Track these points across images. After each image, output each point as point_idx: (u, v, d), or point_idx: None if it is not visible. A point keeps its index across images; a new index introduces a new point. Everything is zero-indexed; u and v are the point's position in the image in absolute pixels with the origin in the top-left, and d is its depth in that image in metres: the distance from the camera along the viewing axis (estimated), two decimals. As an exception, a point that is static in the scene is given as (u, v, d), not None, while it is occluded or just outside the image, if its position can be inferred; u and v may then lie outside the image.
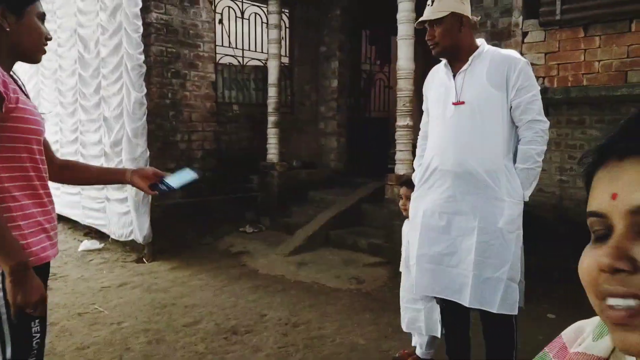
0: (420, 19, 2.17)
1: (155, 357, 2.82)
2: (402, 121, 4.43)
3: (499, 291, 2.05)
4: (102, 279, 4.21)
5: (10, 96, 1.33)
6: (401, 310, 2.70)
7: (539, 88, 2.12)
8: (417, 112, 7.72)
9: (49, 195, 1.49)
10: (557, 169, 4.44)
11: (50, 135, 5.24)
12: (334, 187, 6.39)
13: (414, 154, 4.48)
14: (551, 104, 4.35)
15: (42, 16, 1.48)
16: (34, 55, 1.48)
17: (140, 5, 4.56)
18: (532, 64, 3.93)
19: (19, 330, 1.38)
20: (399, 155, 4.48)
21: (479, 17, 2.30)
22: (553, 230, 4.40)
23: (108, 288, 3.99)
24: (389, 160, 4.60)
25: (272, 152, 5.92)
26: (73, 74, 5.41)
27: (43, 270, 1.47)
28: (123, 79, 4.65)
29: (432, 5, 2.13)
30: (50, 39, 1.53)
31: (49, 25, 5.54)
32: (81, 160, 5.36)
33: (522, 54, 4.01)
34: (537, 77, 3.95)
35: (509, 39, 4.30)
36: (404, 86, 4.41)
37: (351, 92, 6.88)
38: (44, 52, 1.52)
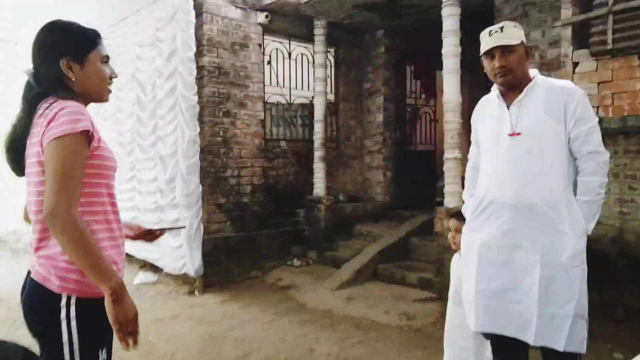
0: (494, 43, 2.08)
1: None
2: (451, 154, 4.41)
3: (565, 328, 1.96)
4: (156, 311, 4.33)
5: (96, 137, 1.45)
6: (445, 349, 2.57)
7: (597, 119, 2.07)
8: (465, 145, 7.64)
9: (120, 230, 1.58)
10: (616, 201, 4.25)
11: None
12: (381, 221, 6.36)
13: (463, 187, 4.44)
14: (607, 134, 4.20)
15: (105, 59, 1.58)
16: (100, 97, 1.60)
17: (195, 50, 4.85)
18: (584, 94, 3.86)
19: (89, 358, 1.45)
20: (448, 188, 4.43)
21: (531, 50, 2.25)
22: (612, 264, 4.18)
23: (162, 320, 4.09)
24: (437, 193, 4.55)
25: (319, 186, 5.99)
26: (131, 116, 5.75)
27: None
28: (178, 119, 4.91)
29: (501, 32, 2.09)
30: (115, 77, 1.63)
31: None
32: (138, 197, 5.62)
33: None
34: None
35: (559, 69, 4.24)
36: (451, 119, 4.41)
37: (396, 126, 6.92)
38: (110, 91, 1.62)
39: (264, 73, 5.88)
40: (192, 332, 3.82)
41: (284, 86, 6.22)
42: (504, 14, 4.97)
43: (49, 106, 1.42)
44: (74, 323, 1.42)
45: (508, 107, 2.12)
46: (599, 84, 3.83)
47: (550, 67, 4.60)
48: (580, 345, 1.97)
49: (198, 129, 4.88)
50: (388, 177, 6.78)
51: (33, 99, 1.46)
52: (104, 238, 1.50)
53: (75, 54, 1.50)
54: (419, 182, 6.91)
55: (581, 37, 4.01)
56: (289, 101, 6.30)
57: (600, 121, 3.82)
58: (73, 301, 1.42)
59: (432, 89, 7.29)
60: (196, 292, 4.88)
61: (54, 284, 1.41)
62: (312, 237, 5.98)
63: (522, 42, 2.10)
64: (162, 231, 1.92)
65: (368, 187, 6.92)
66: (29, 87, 1.50)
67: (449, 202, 4.39)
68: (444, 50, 4.44)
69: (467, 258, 2.24)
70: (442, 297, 4.33)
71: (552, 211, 2.00)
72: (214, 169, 5.35)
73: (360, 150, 6.97)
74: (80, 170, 1.40)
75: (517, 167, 2.07)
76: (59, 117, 1.38)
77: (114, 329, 1.40)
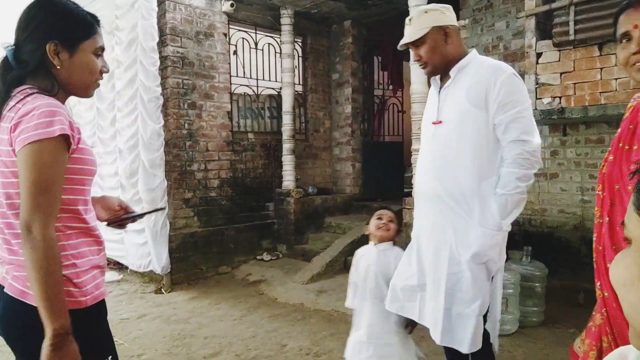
0: (402, 41, 2.01)
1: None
2: (418, 144, 4.41)
3: (469, 329, 1.83)
4: (121, 311, 4.20)
5: (75, 137, 1.30)
6: (369, 347, 2.20)
7: (529, 103, 1.90)
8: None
9: (99, 234, 1.44)
10: (578, 189, 4.36)
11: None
12: (351, 213, 6.36)
13: (431, 178, 4.47)
14: (569, 124, 4.31)
15: (100, 50, 1.41)
16: (84, 91, 1.43)
17: (157, 39, 4.68)
18: (547, 84, 3.92)
19: None
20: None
21: (466, 21, 2.05)
22: (575, 251, 4.30)
23: (127, 320, 3.97)
24: (406, 184, 4.56)
25: (288, 179, 5.93)
26: (91, 108, 5.53)
27: (100, 308, 1.41)
28: (138, 110, 4.74)
29: (410, 24, 1.98)
30: (106, 72, 1.46)
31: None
32: (99, 192, 5.43)
33: (537, 74, 4.00)
34: (554, 97, 3.92)
35: (523, 60, 4.29)
36: (418, 110, 4.41)
37: (365, 117, 6.91)
38: (97, 86, 1.46)
39: (229, 63, 5.75)
40: (159, 331, 3.72)
41: (250, 77, 6.10)
42: (468, 4, 5.00)
43: (22, 98, 1.25)
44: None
45: (439, 92, 2.01)
46: (561, 74, 3.90)
47: (514, 58, 4.66)
48: (478, 344, 1.85)
49: (162, 122, 4.73)
50: (357, 169, 6.78)
51: (11, 81, 1.29)
52: (83, 242, 1.36)
53: (66, 39, 1.32)
54: (387, 173, 6.94)
55: (544, 27, 4.07)
56: (256, 92, 6.19)
57: (563, 111, 3.90)
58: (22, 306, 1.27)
59: (399, 80, 7.31)
60: (163, 289, 4.76)
61: (18, 289, 1.28)
62: (282, 230, 5.92)
63: (434, 27, 1.93)
64: (141, 215, 1.70)
65: (337, 179, 6.90)
66: (5, 66, 1.32)
67: (418, 192, 4.41)
68: (411, 41, 4.43)
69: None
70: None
71: (461, 205, 1.88)
72: (180, 163, 5.20)
73: (329, 142, 6.93)
74: (59, 182, 1.25)
75: (435, 157, 1.97)
76: (31, 117, 1.21)
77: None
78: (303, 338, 3.49)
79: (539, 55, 4.00)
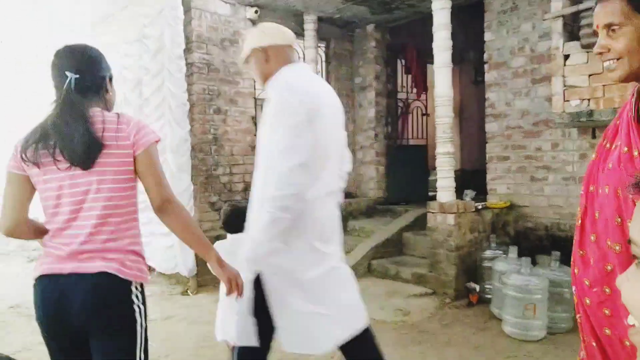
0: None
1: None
2: (443, 148, 4.39)
3: (235, 324, 2.08)
4: (148, 312, 4.27)
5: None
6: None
7: (288, 124, 1.90)
8: (457, 139, 7.64)
9: None
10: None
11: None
12: (374, 216, 6.35)
13: (455, 181, 4.43)
14: (598, 126, 4.22)
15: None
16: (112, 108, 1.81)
17: (184, 46, 4.78)
18: (575, 86, 3.85)
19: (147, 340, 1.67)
20: (440, 183, 4.42)
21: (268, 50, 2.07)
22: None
23: (154, 321, 4.04)
24: (430, 188, 4.54)
25: (311, 182, 5.95)
26: (120, 114, 5.67)
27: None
28: (165, 116, 4.85)
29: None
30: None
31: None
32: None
33: (564, 76, 3.94)
34: (582, 99, 3.85)
35: (550, 62, 4.24)
36: (443, 113, 4.39)
37: (388, 121, 6.90)
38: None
39: (254, 69, 5.82)
40: (186, 333, 3.78)
41: (274, 82, 6.17)
42: (493, 7, 4.96)
43: (117, 118, 1.63)
44: (142, 308, 1.61)
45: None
46: (589, 76, 3.83)
47: (541, 60, 4.60)
48: (247, 340, 2.00)
49: (189, 127, 4.82)
50: (381, 173, 6.77)
51: (83, 103, 1.61)
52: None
53: (110, 74, 1.77)
54: (411, 176, 6.90)
55: (571, 29, 4.00)
56: (279, 97, 6.24)
57: (591, 113, 3.82)
58: (139, 287, 1.62)
59: (423, 83, 7.27)
60: (189, 291, 4.84)
61: (126, 273, 1.56)
62: (306, 233, 5.94)
63: (254, 49, 2.07)
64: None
65: (361, 183, 6.90)
66: (74, 91, 1.61)
67: (442, 196, 4.38)
68: (434, 44, 4.42)
69: None
70: (436, 292, 4.34)
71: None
72: (205, 167, 5.29)
73: (352, 145, 6.94)
74: None
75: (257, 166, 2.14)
76: (143, 126, 1.64)
77: (227, 287, 1.78)
78: (327, 341, 3.50)
79: (566, 57, 3.94)
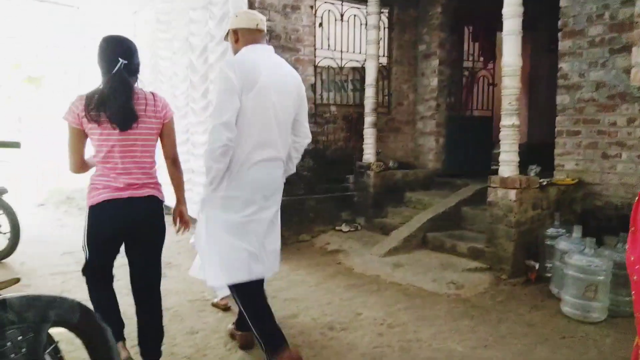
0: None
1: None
2: (508, 120, 4.22)
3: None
4: (209, 270, 4.50)
5: None
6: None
7: (220, 89, 2.37)
8: (524, 111, 7.29)
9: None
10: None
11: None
12: (432, 189, 6.25)
13: (520, 155, 4.26)
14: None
15: None
16: None
17: (247, 12, 4.81)
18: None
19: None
20: (503, 156, 4.26)
21: (256, 24, 2.57)
22: None
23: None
24: (494, 162, 4.39)
25: (369, 152, 5.93)
26: (185, 80, 5.85)
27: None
28: (229, 82, 4.94)
29: None
30: None
31: (165, 35, 6.14)
32: (191, 160, 5.79)
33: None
34: (667, 70, 3.54)
35: (631, 30, 3.90)
36: (509, 84, 4.19)
37: (452, 91, 6.68)
38: None
39: (315, 36, 5.79)
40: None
41: (335, 49, 6.11)
42: (572, -31, 4.59)
43: (144, 91, 2.38)
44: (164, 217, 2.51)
45: None
46: (678, 45, 3.50)
47: (621, 29, 4.24)
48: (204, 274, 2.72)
49: (249, 94, 4.90)
50: (441, 144, 6.61)
51: (131, 83, 2.33)
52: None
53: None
54: (473, 149, 6.69)
55: (661, -8, 3.66)
56: (340, 65, 6.19)
57: (678, 86, 3.50)
58: (164, 207, 2.50)
59: (491, 52, 6.93)
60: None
61: (161, 196, 2.49)
62: (361, 203, 5.98)
63: (229, 30, 2.60)
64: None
65: (419, 154, 6.79)
66: (125, 73, 2.29)
67: (505, 171, 4.23)
68: (504, 10, 4.18)
69: None
70: (492, 267, 4.25)
71: None
72: (265, 134, 5.39)
73: (412, 115, 6.80)
74: None
75: None
76: (168, 103, 2.47)
77: (183, 223, 2.69)
78: (378, 308, 3.55)
79: (651, 23, 3.62)
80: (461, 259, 4.55)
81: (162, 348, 2.58)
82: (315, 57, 5.82)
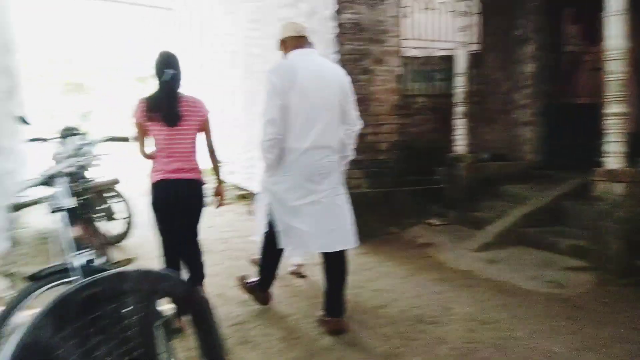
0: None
1: (345, 332, 3.04)
2: (613, 108, 3.88)
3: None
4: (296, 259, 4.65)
5: None
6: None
7: (266, 91, 2.86)
8: (634, 98, 6.65)
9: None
10: None
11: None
12: (529, 182, 5.91)
13: (629, 146, 3.90)
14: None
15: None
16: None
17: (333, 8, 4.88)
18: None
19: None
20: (608, 147, 3.94)
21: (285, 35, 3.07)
22: None
23: (304, 266, 4.40)
24: (597, 153, 4.07)
25: (460, 143, 5.76)
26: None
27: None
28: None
29: None
30: None
31: (256, 34, 6.41)
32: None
33: None
34: None
35: None
36: (614, 68, 3.86)
37: (550, 77, 6.25)
38: None
39: (401, 26, 5.71)
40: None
41: (422, 39, 5.99)
42: None
43: (187, 95, 3.00)
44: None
45: None
46: None
47: None
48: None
49: (337, 88, 4.98)
50: (538, 134, 6.23)
51: (177, 91, 2.97)
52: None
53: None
54: (575, 139, 6.22)
55: None
56: (427, 54, 6.06)
57: None
58: (202, 187, 3.09)
59: (595, 34, 6.38)
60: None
61: (202, 179, 3.09)
62: (452, 196, 5.82)
63: (279, 40, 3.10)
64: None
65: (515, 145, 6.45)
66: (172, 82, 2.93)
67: (610, 162, 3.91)
68: (611, -13, 3.84)
69: None
70: (597, 267, 3.96)
71: None
72: (353, 127, 5.44)
73: (507, 104, 6.48)
74: None
75: None
76: (204, 104, 3.08)
77: (222, 198, 3.31)
78: (470, 304, 3.47)
79: None
80: (561, 257, 4.29)
81: (260, 330, 3.08)
82: (401, 47, 5.75)
